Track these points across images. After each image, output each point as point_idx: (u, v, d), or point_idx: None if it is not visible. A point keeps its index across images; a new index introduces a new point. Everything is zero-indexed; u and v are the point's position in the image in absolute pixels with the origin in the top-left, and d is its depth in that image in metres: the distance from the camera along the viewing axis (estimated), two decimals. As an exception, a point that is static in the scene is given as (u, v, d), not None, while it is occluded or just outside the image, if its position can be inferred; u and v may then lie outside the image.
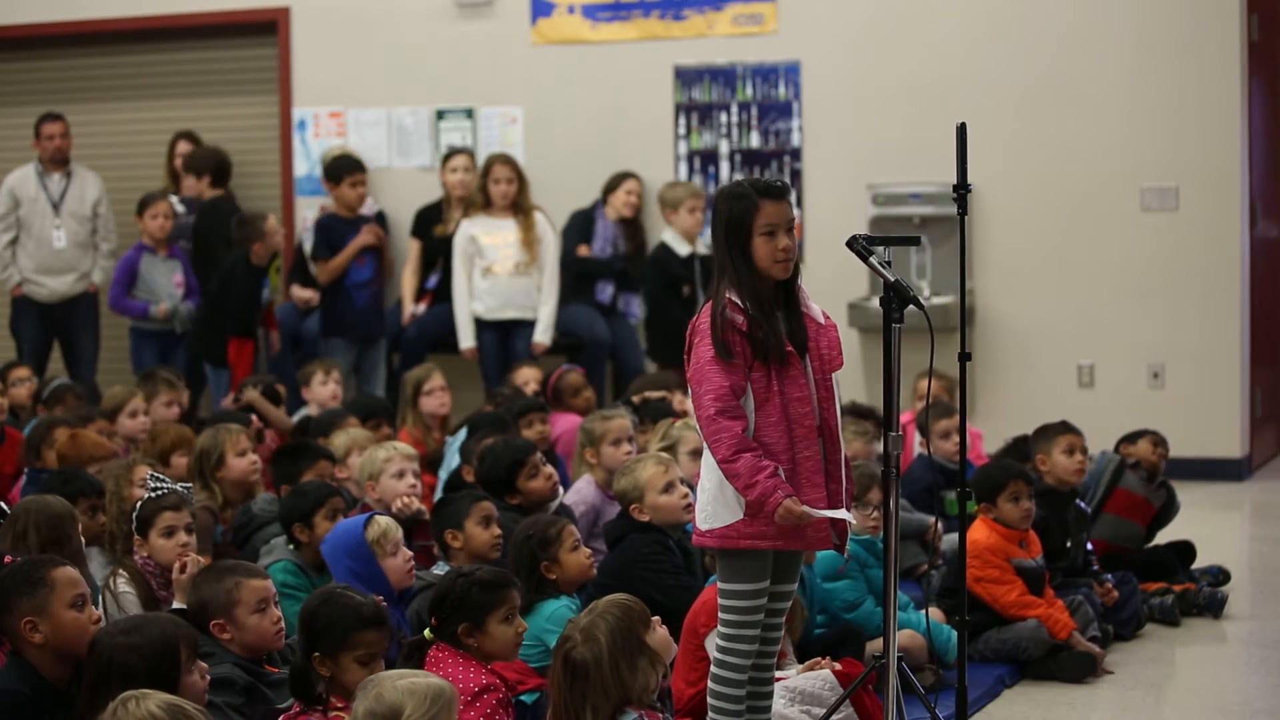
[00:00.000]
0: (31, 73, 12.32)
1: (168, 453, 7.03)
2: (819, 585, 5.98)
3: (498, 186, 10.26)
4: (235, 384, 9.87)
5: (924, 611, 5.79)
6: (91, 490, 6.00)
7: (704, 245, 9.74)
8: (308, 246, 10.63)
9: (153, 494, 5.43)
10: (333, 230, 10.28)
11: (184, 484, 5.71)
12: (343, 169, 10.39)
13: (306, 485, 6.07)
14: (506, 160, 10.37)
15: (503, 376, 9.62)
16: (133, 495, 6.00)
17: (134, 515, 5.41)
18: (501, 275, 10.26)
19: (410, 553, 5.45)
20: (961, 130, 4.99)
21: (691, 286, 9.84)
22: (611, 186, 10.71)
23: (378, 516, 5.43)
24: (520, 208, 10.30)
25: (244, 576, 4.62)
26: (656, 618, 4.48)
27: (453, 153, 10.91)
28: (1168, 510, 7.43)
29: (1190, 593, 6.98)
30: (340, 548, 5.34)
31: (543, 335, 10.31)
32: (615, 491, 6.08)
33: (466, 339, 10.34)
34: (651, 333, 10.35)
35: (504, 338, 10.39)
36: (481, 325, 10.35)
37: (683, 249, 10.07)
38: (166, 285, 10.38)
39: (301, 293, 10.58)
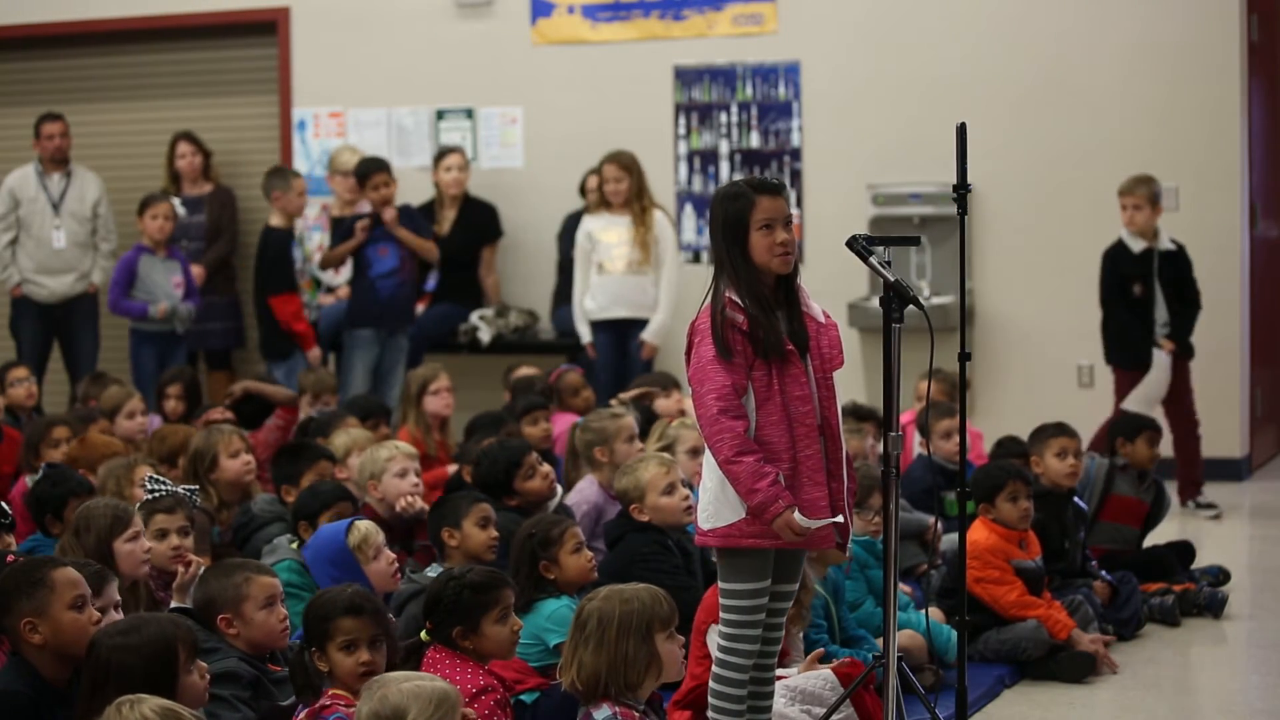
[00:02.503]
0: (31, 73, 12.32)
1: (175, 454, 6.98)
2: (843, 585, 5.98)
3: (607, 186, 9.94)
4: (305, 343, 10.01)
5: (924, 611, 5.79)
6: (82, 489, 5.96)
7: (1168, 240, 9.21)
8: (309, 246, 10.67)
9: (150, 495, 5.42)
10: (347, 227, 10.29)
11: (188, 487, 5.69)
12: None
13: (321, 486, 6.05)
14: (614, 158, 9.99)
15: (619, 378, 9.50)
16: (134, 496, 5.99)
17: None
18: (614, 273, 9.91)
19: (393, 555, 5.40)
20: (961, 130, 4.97)
21: (1143, 285, 9.38)
22: (583, 186, 10.71)
23: (358, 522, 5.40)
24: (640, 204, 9.93)
25: (253, 573, 4.64)
26: (680, 637, 4.44)
27: (446, 151, 10.90)
28: (1159, 506, 7.44)
29: (1190, 593, 6.97)
30: (322, 554, 5.33)
31: (651, 336, 9.92)
32: (616, 490, 6.07)
33: (585, 334, 10.09)
34: (1102, 334, 9.34)
35: (619, 338, 10.05)
36: (595, 325, 10.03)
37: (1136, 245, 9.23)
38: (165, 285, 10.35)
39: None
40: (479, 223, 10.82)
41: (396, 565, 5.40)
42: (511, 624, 4.69)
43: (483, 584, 4.66)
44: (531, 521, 5.50)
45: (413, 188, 11.08)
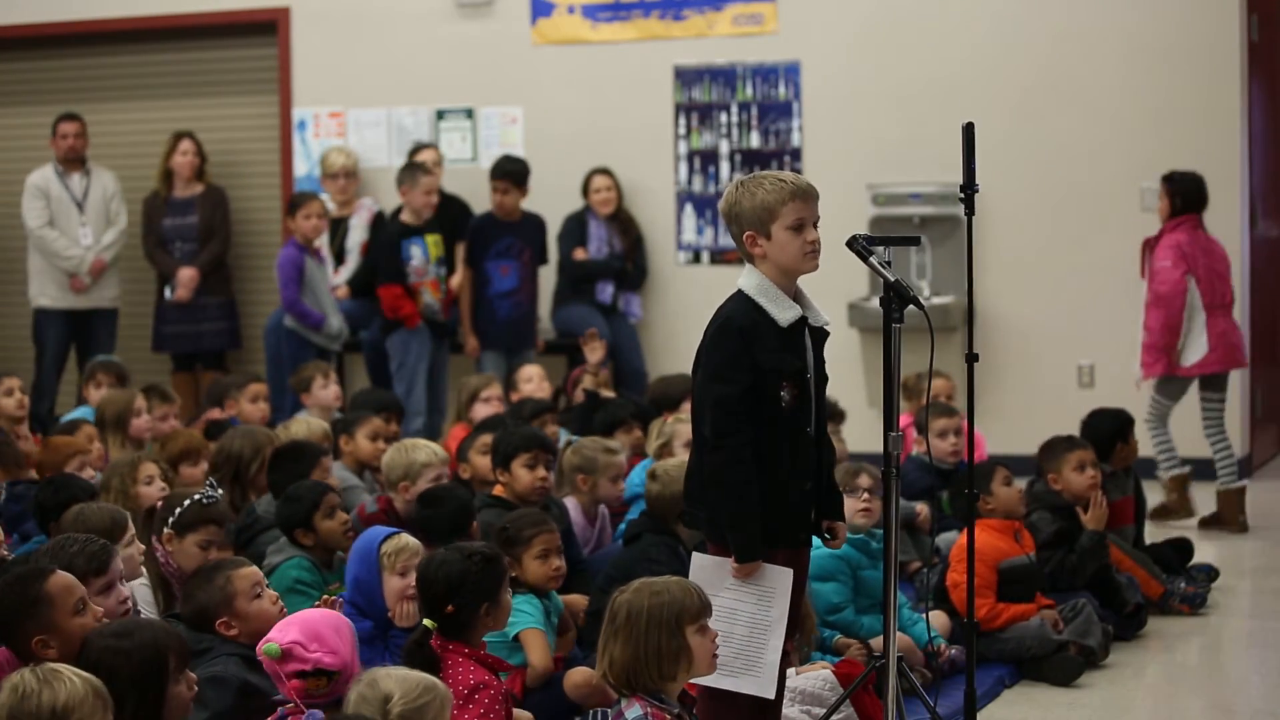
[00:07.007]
0: (31, 73, 12.32)
1: (176, 460, 6.76)
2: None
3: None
4: (409, 323, 9.83)
5: (922, 612, 5.76)
6: (85, 494, 5.80)
7: None
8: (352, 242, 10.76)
9: (206, 500, 5.32)
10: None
11: (209, 482, 5.61)
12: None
13: (298, 489, 5.90)
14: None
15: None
16: (139, 493, 5.96)
17: (176, 510, 5.29)
18: None
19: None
20: (969, 130, 4.84)
21: None
22: (584, 188, 10.74)
23: (403, 534, 5.32)
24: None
25: (230, 570, 4.63)
26: (715, 631, 4.36)
27: (420, 147, 10.86)
28: (1139, 493, 7.48)
29: (1176, 588, 7.01)
30: (357, 551, 5.30)
31: None
32: (665, 494, 5.93)
33: None
34: None
35: None
36: None
37: None
38: (328, 295, 10.09)
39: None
40: (454, 219, 10.73)
41: (413, 594, 5.04)
42: (510, 593, 4.77)
43: (494, 556, 4.72)
44: (511, 515, 5.51)
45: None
